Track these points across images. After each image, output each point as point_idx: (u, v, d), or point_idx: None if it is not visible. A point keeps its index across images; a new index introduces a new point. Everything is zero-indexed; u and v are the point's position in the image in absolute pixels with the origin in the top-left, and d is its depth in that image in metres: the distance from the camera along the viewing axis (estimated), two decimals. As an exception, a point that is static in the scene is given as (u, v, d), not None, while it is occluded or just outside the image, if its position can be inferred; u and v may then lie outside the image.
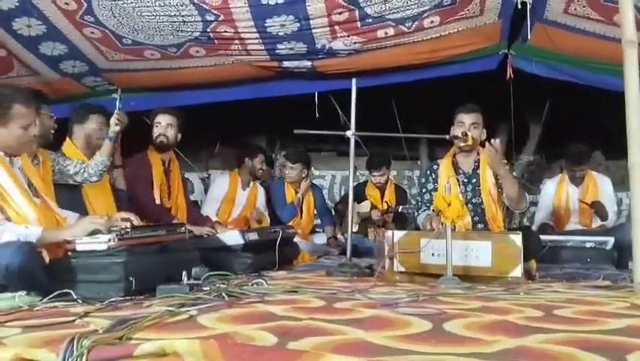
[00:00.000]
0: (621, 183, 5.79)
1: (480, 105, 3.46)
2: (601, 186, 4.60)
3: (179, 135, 3.91)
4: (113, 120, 3.13)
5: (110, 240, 2.20)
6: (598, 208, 4.40)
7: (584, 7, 3.81)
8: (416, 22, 4.06)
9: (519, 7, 3.88)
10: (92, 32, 4.06)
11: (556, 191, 4.71)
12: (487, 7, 3.99)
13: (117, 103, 3.13)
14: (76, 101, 5.01)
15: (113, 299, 2.06)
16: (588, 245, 3.97)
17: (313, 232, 5.22)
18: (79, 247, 2.23)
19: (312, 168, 5.75)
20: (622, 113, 2.46)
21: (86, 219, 2.49)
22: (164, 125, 3.83)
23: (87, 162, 3.05)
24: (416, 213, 3.58)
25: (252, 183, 4.74)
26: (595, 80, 4.51)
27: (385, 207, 5.06)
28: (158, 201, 3.71)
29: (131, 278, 2.19)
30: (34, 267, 2.07)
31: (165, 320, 1.64)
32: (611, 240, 3.92)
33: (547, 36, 4.16)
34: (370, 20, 3.99)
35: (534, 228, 4.57)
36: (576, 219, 4.59)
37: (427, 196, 3.44)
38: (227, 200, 4.62)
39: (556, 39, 4.18)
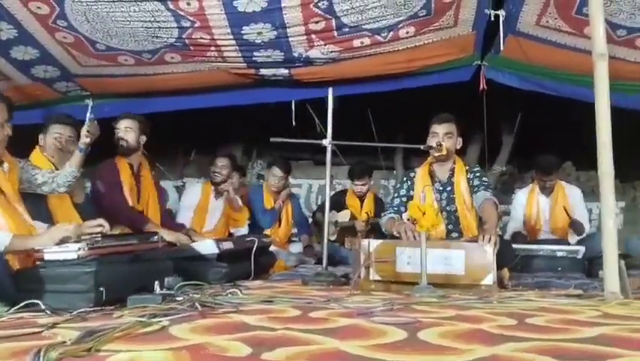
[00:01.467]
0: (591, 193, 5.92)
1: (454, 115, 3.49)
2: (570, 196, 4.67)
3: (143, 138, 3.84)
4: (83, 131, 3.04)
5: (79, 249, 2.15)
6: (576, 226, 4.43)
7: (555, 19, 3.90)
8: (392, 33, 4.09)
9: (492, 19, 3.95)
10: (65, 37, 4.00)
11: (527, 201, 4.77)
12: (461, 19, 4.04)
13: (88, 113, 3.04)
14: (48, 106, 4.93)
15: (82, 310, 2.01)
16: (559, 254, 4.02)
17: (289, 241, 5.20)
18: (47, 256, 2.17)
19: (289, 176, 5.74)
20: (592, 125, 2.50)
21: (55, 227, 2.43)
22: (123, 129, 3.78)
23: (56, 172, 2.98)
24: (382, 214, 3.60)
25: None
26: (566, 91, 4.60)
27: (366, 217, 5.06)
28: (130, 204, 3.65)
29: (101, 288, 2.14)
30: (1, 276, 2.02)
31: (136, 331, 1.60)
32: (581, 249, 3.99)
33: (519, 48, 4.23)
34: (347, 30, 4.01)
35: (506, 237, 4.62)
36: (547, 229, 4.65)
37: (396, 201, 3.47)
38: (200, 209, 4.57)
39: (529, 51, 4.26)
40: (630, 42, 3.98)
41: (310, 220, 5.72)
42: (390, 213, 3.42)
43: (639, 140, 5.60)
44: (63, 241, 2.24)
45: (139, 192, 3.77)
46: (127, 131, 3.78)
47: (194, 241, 3.48)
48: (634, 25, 3.80)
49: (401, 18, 3.94)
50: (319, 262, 4.05)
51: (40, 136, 3.41)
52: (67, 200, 3.26)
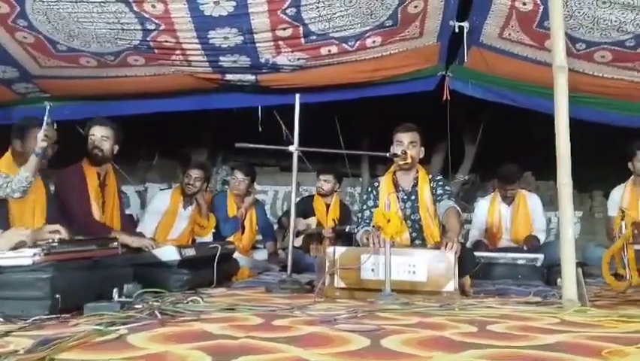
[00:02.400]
0: (550, 202, 6.06)
1: (419, 125, 3.53)
2: (531, 204, 4.77)
3: (117, 147, 3.67)
4: (40, 135, 2.93)
5: (35, 254, 2.08)
6: (532, 243, 4.48)
7: (517, 32, 4.00)
8: (359, 42, 4.13)
9: (457, 30, 4.03)
10: (25, 37, 3.90)
11: (489, 209, 4.85)
12: (426, 30, 4.11)
13: (45, 117, 2.94)
14: (5, 108, 4.79)
15: (37, 318, 1.94)
16: (519, 262, 4.10)
17: (254, 247, 5.16)
18: (1, 262, 2.09)
19: (255, 183, 5.70)
20: (552, 136, 2.56)
21: (10, 231, 2.35)
22: (99, 138, 3.57)
23: (11, 177, 2.87)
24: (355, 230, 3.61)
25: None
26: (527, 102, 4.72)
27: (332, 225, 5.06)
28: (96, 215, 3.53)
29: (57, 295, 2.07)
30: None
31: (92, 340, 1.56)
32: (540, 257, 4.07)
33: (482, 59, 4.33)
34: (314, 37, 4.03)
35: (468, 245, 4.68)
36: (508, 237, 4.74)
37: (366, 213, 3.47)
38: (168, 216, 4.48)
39: (491, 62, 4.35)
40: (589, 55, 4.11)
41: (276, 226, 5.69)
42: (364, 226, 3.42)
43: (597, 151, 5.78)
44: (18, 246, 2.17)
45: (104, 202, 3.65)
46: (103, 140, 3.57)
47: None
48: (593, 40, 3.92)
49: (368, 27, 3.98)
50: (284, 269, 4.02)
51: (17, 142, 3.10)
52: (31, 204, 3.13)
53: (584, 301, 2.37)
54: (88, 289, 2.25)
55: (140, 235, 3.95)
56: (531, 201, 4.78)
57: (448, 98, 4.59)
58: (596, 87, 4.43)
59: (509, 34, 4.05)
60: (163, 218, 4.48)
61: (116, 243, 2.70)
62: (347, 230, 4.93)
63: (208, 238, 4.66)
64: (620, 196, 4.33)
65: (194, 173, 4.56)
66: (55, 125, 3.05)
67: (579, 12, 3.66)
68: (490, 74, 4.53)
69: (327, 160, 6.17)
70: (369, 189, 3.59)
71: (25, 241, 2.21)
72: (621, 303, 2.68)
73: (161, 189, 5.82)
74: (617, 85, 4.37)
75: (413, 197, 3.43)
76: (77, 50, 4.07)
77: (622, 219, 3.01)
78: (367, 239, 2.95)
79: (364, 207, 3.54)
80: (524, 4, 3.72)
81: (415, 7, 3.85)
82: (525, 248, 4.41)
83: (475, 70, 4.50)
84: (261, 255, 5.02)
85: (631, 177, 4.30)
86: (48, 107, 2.97)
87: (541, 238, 4.62)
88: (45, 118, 2.91)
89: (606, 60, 4.12)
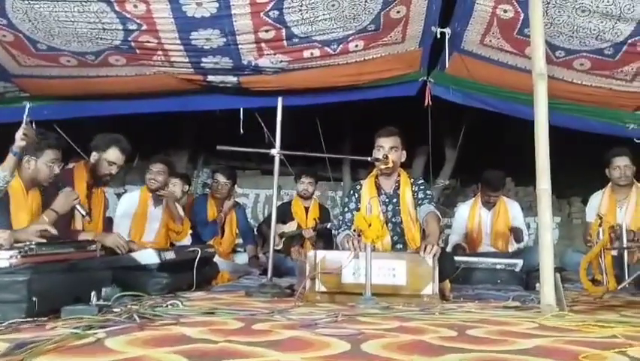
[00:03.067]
0: (529, 208, 6.14)
1: (400, 129, 3.54)
2: (511, 210, 4.81)
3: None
4: (19, 134, 2.88)
5: (11, 256, 2.05)
6: (516, 232, 4.59)
7: (498, 39, 4.05)
8: (341, 45, 4.14)
9: (438, 36, 4.06)
10: (4, 35, 3.84)
11: (469, 214, 4.88)
12: (408, 35, 4.14)
13: (25, 116, 2.90)
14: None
15: (13, 321, 1.90)
16: (499, 267, 4.13)
17: (234, 251, 5.13)
18: (-24, 265, 2.05)
19: (236, 186, 5.68)
20: (531, 142, 2.59)
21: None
22: (115, 167, 3.54)
23: None
24: (336, 232, 3.60)
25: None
26: (507, 109, 4.77)
27: (313, 223, 5.05)
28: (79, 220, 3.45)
29: (34, 298, 2.03)
30: None
31: (69, 344, 1.53)
32: (519, 262, 4.11)
33: (463, 65, 4.37)
34: (297, 40, 4.03)
35: (448, 249, 4.71)
36: (488, 242, 4.78)
37: (348, 216, 3.48)
38: (139, 217, 4.35)
39: (472, 68, 4.40)
40: (568, 63, 4.17)
41: (256, 231, 5.67)
42: (345, 229, 3.42)
43: (575, 158, 5.87)
44: (-5, 248, 2.13)
45: (90, 207, 3.58)
46: (117, 167, 3.56)
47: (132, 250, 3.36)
48: (572, 47, 3.99)
49: (350, 32, 3.99)
50: (265, 272, 4.00)
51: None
52: (29, 204, 3.06)
53: (562, 306, 2.40)
54: (65, 292, 2.21)
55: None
56: (511, 208, 4.82)
57: (430, 103, 4.62)
58: (575, 94, 4.50)
59: (490, 41, 4.09)
60: (134, 220, 4.35)
61: (94, 245, 2.67)
62: (328, 227, 4.93)
63: (186, 242, 4.57)
64: (598, 202, 4.38)
65: (155, 167, 4.40)
66: (33, 124, 3.01)
67: (559, 20, 3.72)
68: (471, 80, 4.57)
69: (309, 164, 6.18)
70: (351, 192, 3.59)
71: (1, 243, 2.16)
72: (598, 308, 2.71)
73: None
74: (596, 92, 4.44)
75: (395, 200, 3.44)
76: (58, 49, 4.02)
77: (599, 225, 3.04)
78: (349, 243, 2.95)
79: (345, 209, 3.54)
80: (505, 11, 3.77)
81: (398, 12, 3.87)
82: (511, 237, 4.57)
83: (456, 76, 4.54)
84: (242, 258, 5.00)
85: (609, 184, 4.36)
86: (28, 107, 2.93)
87: (525, 241, 4.67)
88: (25, 117, 2.87)
89: (585, 68, 4.19)
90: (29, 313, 2.00)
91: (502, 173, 4.83)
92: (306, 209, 5.22)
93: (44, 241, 2.40)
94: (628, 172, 4.20)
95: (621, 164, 4.19)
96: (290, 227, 5.14)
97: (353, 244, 2.88)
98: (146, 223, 4.37)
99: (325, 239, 4.95)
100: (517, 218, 4.77)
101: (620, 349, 1.56)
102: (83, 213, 3.09)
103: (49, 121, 4.31)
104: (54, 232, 2.37)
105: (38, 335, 1.65)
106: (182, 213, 4.55)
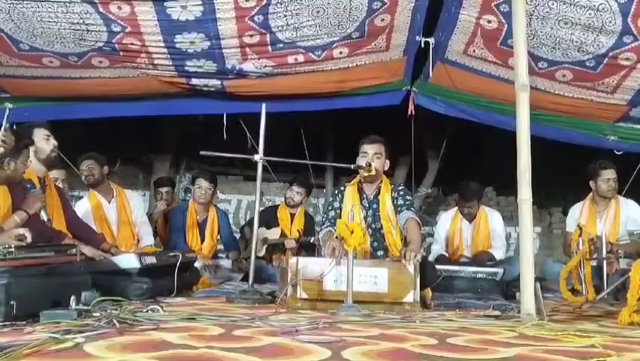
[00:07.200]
0: (510, 218, 6.18)
1: (384, 137, 3.56)
2: (491, 220, 4.82)
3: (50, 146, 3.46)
4: None
5: (-11, 260, 2.01)
6: (481, 259, 4.55)
7: (482, 49, 4.09)
8: (325, 52, 4.15)
9: (422, 45, 4.09)
10: (-15, 34, 3.78)
11: (450, 225, 4.89)
12: (392, 44, 4.16)
13: (4, 121, 2.85)
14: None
15: (-11, 325, 1.88)
16: (479, 276, 4.14)
17: (216, 256, 5.08)
18: (-46, 268, 2.01)
19: (218, 191, 5.64)
20: (513, 153, 2.61)
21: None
22: (53, 138, 3.44)
23: None
24: (319, 229, 3.61)
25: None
26: (489, 119, 4.81)
27: (297, 235, 5.03)
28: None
29: (12, 302, 2.01)
30: None
31: (47, 348, 1.51)
32: (500, 271, 4.13)
33: (447, 75, 4.40)
34: (281, 45, 4.03)
35: (430, 258, 4.72)
36: (469, 254, 4.77)
37: (331, 213, 3.49)
38: (98, 220, 4.14)
39: (456, 78, 4.43)
40: (551, 74, 4.22)
41: (238, 236, 5.63)
42: (328, 226, 3.43)
43: (556, 169, 5.94)
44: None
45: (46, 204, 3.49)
46: (50, 139, 3.43)
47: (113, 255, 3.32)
48: (554, 59, 4.04)
49: (335, 38, 4.01)
50: (246, 279, 3.97)
51: None
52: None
53: (542, 315, 2.42)
54: (44, 296, 2.18)
55: (102, 237, 3.81)
56: (492, 218, 4.83)
57: (413, 113, 4.65)
58: (557, 105, 4.54)
59: (474, 51, 4.13)
60: (95, 223, 4.10)
61: (74, 250, 2.63)
62: (311, 241, 4.91)
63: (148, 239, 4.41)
64: (578, 213, 4.42)
65: (84, 164, 4.24)
66: (14, 125, 2.96)
67: (542, 32, 3.77)
68: (454, 90, 4.60)
69: (292, 171, 6.17)
70: (336, 192, 3.62)
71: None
72: (578, 318, 2.74)
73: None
74: (578, 104, 4.49)
75: (375, 205, 3.45)
76: (40, 49, 3.97)
77: (579, 236, 3.08)
78: (329, 249, 2.95)
79: (330, 207, 3.56)
80: (489, 22, 3.81)
81: (382, 20, 3.89)
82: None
83: (439, 85, 4.57)
84: (224, 264, 4.95)
85: (589, 195, 4.40)
86: (9, 108, 2.88)
87: (498, 255, 4.64)
88: (4, 122, 2.82)
89: (567, 79, 4.24)
90: (7, 317, 1.98)
91: (477, 184, 4.82)
92: (292, 216, 5.21)
93: (23, 244, 2.36)
94: (614, 185, 4.25)
95: (610, 177, 4.24)
96: (273, 234, 5.12)
97: (334, 252, 2.88)
98: (109, 224, 4.20)
99: (308, 251, 4.90)
100: (497, 230, 4.76)
101: (598, 358, 1.58)
102: (45, 218, 3.05)
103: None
104: (29, 238, 2.33)
105: (16, 339, 1.63)
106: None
